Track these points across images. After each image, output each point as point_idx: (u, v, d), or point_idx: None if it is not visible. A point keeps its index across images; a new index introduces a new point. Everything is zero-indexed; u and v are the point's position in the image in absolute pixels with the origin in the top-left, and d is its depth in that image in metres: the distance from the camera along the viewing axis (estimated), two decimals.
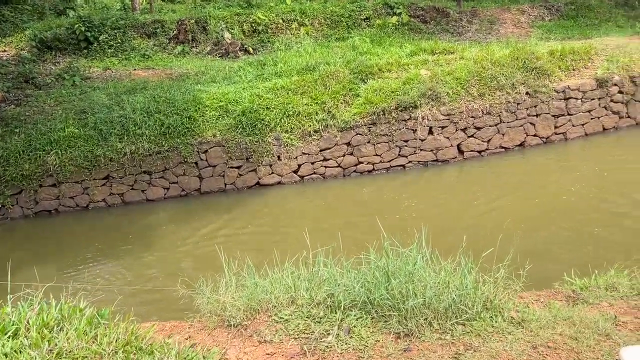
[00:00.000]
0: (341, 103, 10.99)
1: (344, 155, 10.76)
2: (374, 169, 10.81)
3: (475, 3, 19.52)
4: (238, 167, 10.64)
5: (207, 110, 10.67)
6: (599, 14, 17.80)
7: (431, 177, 10.30)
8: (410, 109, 10.61)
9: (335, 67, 11.61)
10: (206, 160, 10.39)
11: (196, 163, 10.38)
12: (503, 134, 10.99)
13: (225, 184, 10.65)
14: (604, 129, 11.59)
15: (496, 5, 18.86)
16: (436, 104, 10.69)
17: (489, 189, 9.48)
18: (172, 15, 16.16)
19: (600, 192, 8.65)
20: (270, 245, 5.13)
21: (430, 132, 10.74)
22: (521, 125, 11.08)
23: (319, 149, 10.69)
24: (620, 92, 11.44)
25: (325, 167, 10.79)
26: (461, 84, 10.94)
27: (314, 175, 10.78)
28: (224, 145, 10.48)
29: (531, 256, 4.18)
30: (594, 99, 11.35)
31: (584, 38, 15.09)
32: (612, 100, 11.46)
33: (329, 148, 10.69)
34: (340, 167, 10.80)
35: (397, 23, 15.95)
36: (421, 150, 10.77)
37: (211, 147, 10.36)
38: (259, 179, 10.69)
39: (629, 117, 11.64)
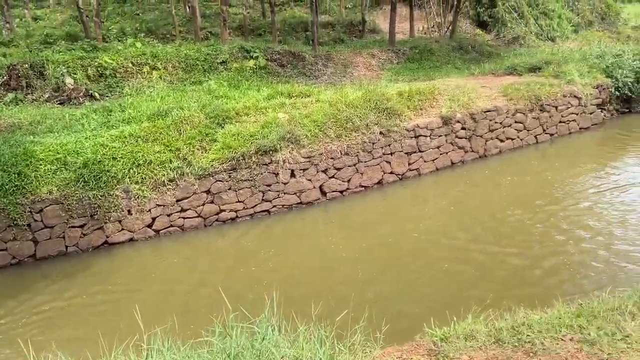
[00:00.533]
0: (197, 149, 10.38)
1: (203, 204, 10.09)
2: (237, 217, 10.28)
3: (330, 47, 20.30)
4: (81, 226, 9.43)
5: (40, 164, 9.38)
6: (439, 57, 19.46)
7: (294, 222, 10.04)
8: (271, 152, 10.35)
9: (190, 111, 11.02)
10: (41, 220, 9.06)
11: (29, 225, 9.00)
12: (362, 173, 11.18)
13: (67, 246, 9.36)
14: (452, 163, 12.37)
15: (349, 49, 19.77)
16: (296, 147, 10.57)
17: (348, 230, 9.45)
18: (2, 60, 14.39)
19: (446, 228, 9.04)
20: (101, 323, 4.32)
21: (293, 175, 10.55)
22: (378, 164, 11.37)
23: (175, 200, 9.91)
24: (463, 128, 12.34)
25: (184, 218, 10.02)
26: (318, 126, 10.98)
27: (171, 229, 9.94)
28: (62, 203, 9.23)
29: (389, 303, 3.96)
30: (441, 135, 12.10)
31: (428, 79, 16.28)
32: (457, 137, 12.31)
33: (187, 197, 9.97)
34: (201, 217, 10.11)
35: (254, 67, 15.88)
36: (285, 193, 10.51)
37: (47, 206, 9.07)
38: (107, 237, 9.58)
39: (472, 150, 12.57)
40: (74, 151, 9.93)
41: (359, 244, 8.73)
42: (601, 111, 15.10)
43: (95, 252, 9.43)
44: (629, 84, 15.20)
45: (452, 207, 9.93)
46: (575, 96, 14.22)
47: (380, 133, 11.36)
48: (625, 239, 8.07)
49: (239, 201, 10.24)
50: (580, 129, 14.51)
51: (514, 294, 6.58)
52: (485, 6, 24.16)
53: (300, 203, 10.64)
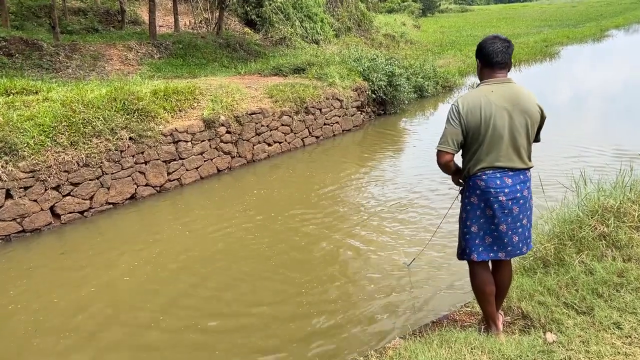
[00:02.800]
0: None
1: None
2: None
3: (79, 37, 17.41)
4: None
5: None
6: (205, 54, 18.27)
7: (12, 259, 7.67)
8: None
9: None
10: None
11: None
12: (109, 188, 9.28)
13: None
14: (219, 170, 11.26)
15: (102, 40, 17.23)
16: (12, 159, 8.15)
17: (94, 265, 7.54)
18: None
19: (181, 264, 7.88)
20: None
21: (9, 195, 8.11)
22: (129, 176, 9.60)
23: None
24: (228, 132, 11.32)
25: None
26: (46, 131, 8.71)
27: None
28: None
29: None
30: (204, 140, 10.87)
31: (192, 77, 14.94)
32: (222, 141, 11.23)
33: None
34: None
35: None
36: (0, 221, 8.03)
37: None
38: None
39: (239, 156, 11.66)
40: None
41: (97, 284, 6.93)
42: (361, 113, 15.75)
43: None
44: (383, 87, 16.18)
45: (188, 232, 8.77)
46: (337, 99, 14.47)
47: (130, 139, 9.60)
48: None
49: None
50: (342, 130, 14.85)
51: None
52: (253, 5, 23.81)
53: (23, 231, 8.28)
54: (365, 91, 15.79)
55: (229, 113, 11.37)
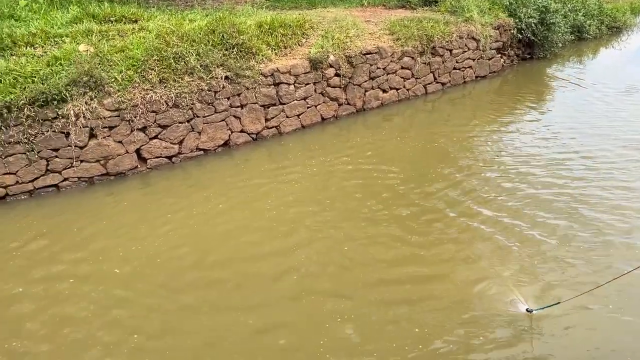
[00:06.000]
0: None
1: None
2: (7, 194, 7.22)
3: None
4: None
5: None
6: None
7: (93, 202, 7.17)
8: (56, 103, 7.23)
9: None
10: None
11: None
12: (200, 132, 8.41)
13: None
14: (323, 118, 9.91)
15: None
16: (98, 96, 7.50)
17: (181, 214, 6.75)
18: None
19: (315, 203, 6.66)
20: None
21: (93, 135, 7.55)
22: (223, 120, 8.63)
23: None
24: (337, 74, 9.82)
25: None
26: (135, 65, 7.93)
27: None
28: None
29: None
30: (309, 83, 9.50)
31: (310, 7, 13.44)
32: (329, 85, 9.78)
33: None
34: None
35: None
36: (82, 161, 7.53)
37: None
38: None
39: (348, 103, 10.17)
40: None
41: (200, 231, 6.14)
42: (501, 57, 13.26)
43: None
44: (533, 25, 13.37)
45: (321, 177, 7.55)
46: (473, 38, 12.13)
47: (226, 78, 8.53)
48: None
49: (9, 172, 7.15)
50: (476, 77, 12.58)
51: None
52: None
53: (107, 174, 7.75)
54: (509, 30, 13.13)
55: (339, 52, 9.81)
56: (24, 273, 5.61)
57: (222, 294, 5.17)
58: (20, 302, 5.15)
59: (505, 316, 4.70)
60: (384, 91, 10.63)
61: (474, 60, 12.40)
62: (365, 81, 10.23)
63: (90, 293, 5.23)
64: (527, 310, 4.71)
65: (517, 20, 13.19)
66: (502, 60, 13.29)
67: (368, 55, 10.12)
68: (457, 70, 12.07)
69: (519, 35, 13.34)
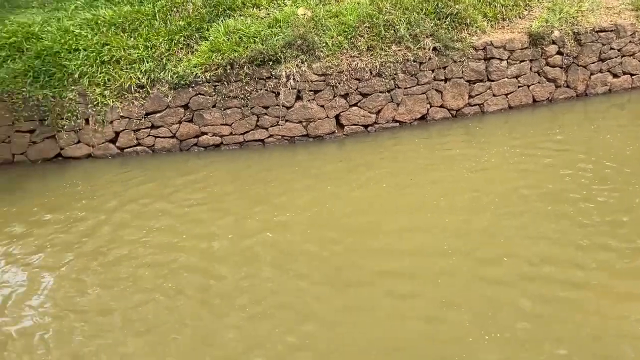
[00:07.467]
0: (181, 49, 8.00)
1: (180, 122, 7.92)
2: (222, 143, 8.04)
3: None
4: (30, 132, 7.75)
5: None
6: None
7: (295, 160, 7.57)
8: (271, 63, 7.70)
9: None
10: None
11: None
12: (398, 104, 8.24)
13: (14, 154, 7.83)
14: (535, 100, 8.93)
15: None
16: (308, 59, 7.79)
17: (376, 183, 6.77)
18: None
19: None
20: None
21: (299, 97, 7.91)
22: (423, 93, 8.31)
23: (144, 112, 7.81)
24: (559, 52, 8.69)
25: (155, 137, 7.97)
26: (346, 31, 8.01)
27: (138, 148, 7.98)
28: (5, 101, 7.51)
29: None
30: (524, 60, 8.59)
31: None
32: (547, 64, 8.72)
33: (159, 111, 7.83)
34: (176, 138, 8.00)
35: None
36: (287, 121, 7.99)
37: None
38: (61, 149, 7.89)
39: (567, 85, 8.98)
40: (34, 36, 7.99)
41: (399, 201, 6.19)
42: None
43: (46, 166, 7.81)
44: None
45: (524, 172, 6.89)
46: None
47: (434, 49, 8.15)
48: None
49: (225, 124, 7.92)
50: None
51: None
52: None
53: (307, 135, 8.10)
54: None
55: (567, 28, 8.63)
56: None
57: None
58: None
59: None
60: (615, 76, 9.13)
61: None
62: (593, 62, 8.88)
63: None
64: None
65: None
66: None
67: (601, 33, 8.73)
68: None
69: None
